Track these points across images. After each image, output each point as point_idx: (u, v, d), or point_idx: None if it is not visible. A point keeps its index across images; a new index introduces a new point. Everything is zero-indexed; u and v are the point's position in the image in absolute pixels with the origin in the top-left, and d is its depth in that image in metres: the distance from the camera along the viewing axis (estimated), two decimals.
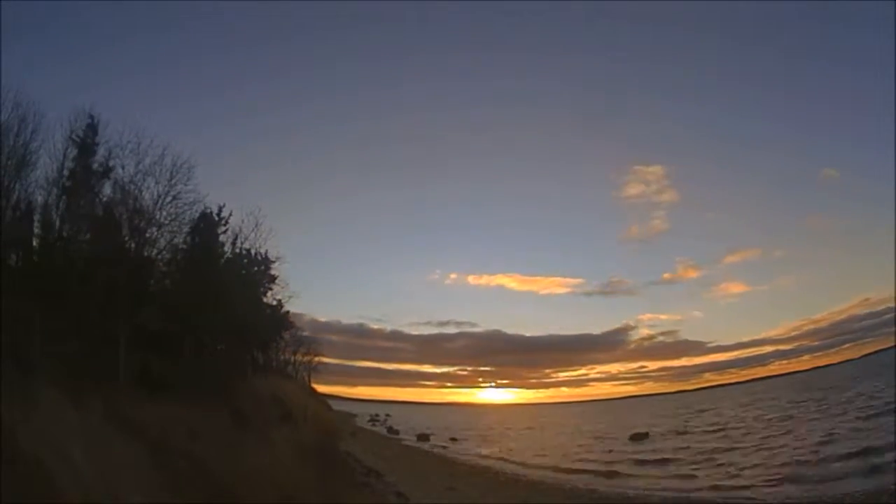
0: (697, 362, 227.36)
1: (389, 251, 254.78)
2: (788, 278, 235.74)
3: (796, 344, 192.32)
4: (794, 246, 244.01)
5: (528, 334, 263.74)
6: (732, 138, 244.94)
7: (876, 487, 14.92)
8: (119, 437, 9.66)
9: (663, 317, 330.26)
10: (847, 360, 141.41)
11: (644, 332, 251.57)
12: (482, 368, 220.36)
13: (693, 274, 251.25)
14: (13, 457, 6.29)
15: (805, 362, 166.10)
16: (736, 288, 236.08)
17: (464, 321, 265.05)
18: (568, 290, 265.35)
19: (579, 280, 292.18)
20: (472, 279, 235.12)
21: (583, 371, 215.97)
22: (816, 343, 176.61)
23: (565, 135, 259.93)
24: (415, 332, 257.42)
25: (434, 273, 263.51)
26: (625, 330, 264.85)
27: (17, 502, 5.81)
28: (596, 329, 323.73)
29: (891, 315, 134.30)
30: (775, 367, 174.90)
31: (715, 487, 18.64)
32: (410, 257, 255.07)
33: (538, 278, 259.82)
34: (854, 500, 14.31)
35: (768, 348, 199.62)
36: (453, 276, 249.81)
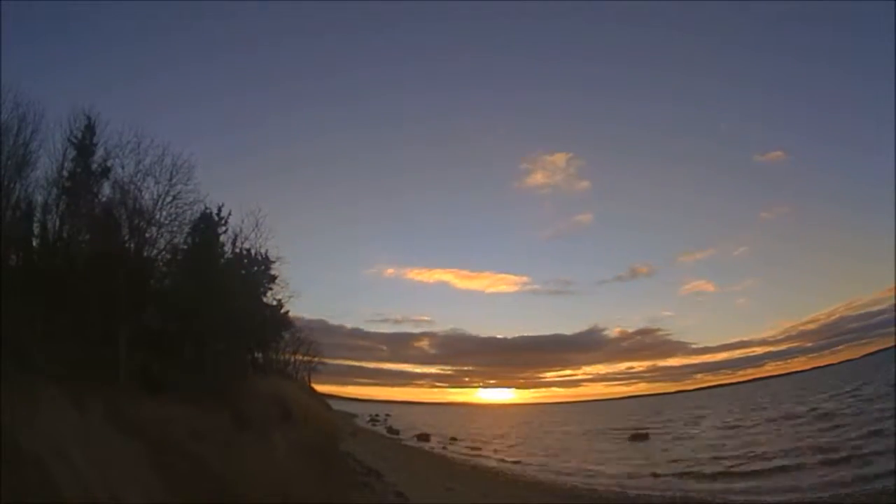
0: (687, 363, 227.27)
1: (326, 244, 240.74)
2: (757, 278, 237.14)
3: (788, 345, 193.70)
4: (755, 243, 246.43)
5: (499, 335, 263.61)
6: (651, 127, 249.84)
7: (876, 488, 14.93)
8: (119, 437, 9.66)
9: (634, 317, 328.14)
10: (848, 360, 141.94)
11: (617, 332, 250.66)
12: (465, 368, 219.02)
13: (644, 271, 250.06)
14: (13, 457, 6.28)
15: (802, 363, 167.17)
16: (702, 287, 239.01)
17: (421, 319, 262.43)
18: (515, 288, 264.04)
19: (524, 278, 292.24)
20: (412, 274, 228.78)
21: (568, 371, 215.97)
22: (810, 345, 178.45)
23: (474, 128, 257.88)
24: (374, 329, 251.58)
25: (372, 267, 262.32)
26: (597, 330, 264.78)
27: (17, 502, 5.81)
28: (565, 329, 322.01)
29: (882, 318, 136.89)
30: (770, 368, 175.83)
31: (716, 486, 18.64)
32: (346, 250, 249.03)
33: (481, 274, 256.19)
34: (854, 500, 14.30)
35: (758, 349, 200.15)
36: (390, 270, 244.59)
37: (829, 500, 14.75)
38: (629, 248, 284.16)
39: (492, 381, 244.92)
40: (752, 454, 23.73)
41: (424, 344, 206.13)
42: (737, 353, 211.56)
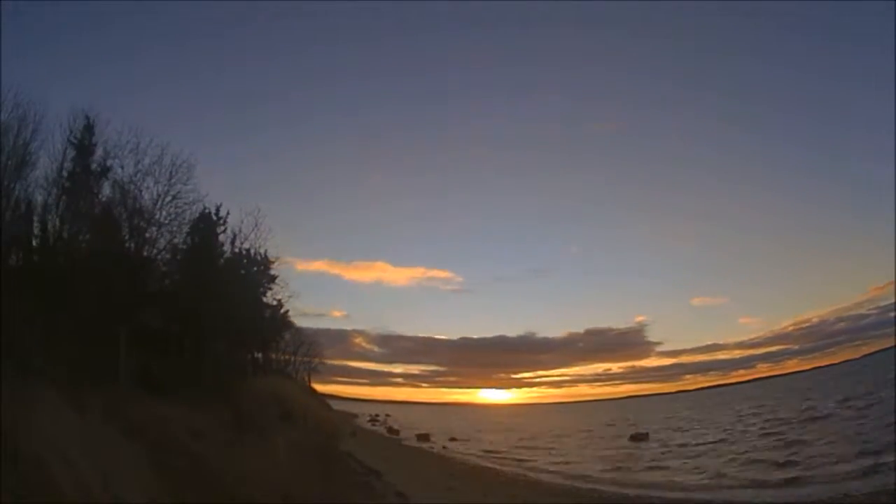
0: (669, 363, 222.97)
1: None
2: (703, 279, 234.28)
3: (770, 349, 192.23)
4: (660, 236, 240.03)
5: (438, 336, 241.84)
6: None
7: (876, 487, 14.93)
8: (119, 438, 9.66)
9: (563, 317, 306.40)
10: (848, 360, 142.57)
11: (565, 333, 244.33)
12: (431, 369, 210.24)
13: (546, 270, 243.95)
14: (13, 457, 6.28)
15: (798, 364, 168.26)
16: (630, 285, 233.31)
17: (336, 315, 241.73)
18: (409, 281, 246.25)
19: (420, 269, 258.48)
20: (298, 265, 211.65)
21: (541, 372, 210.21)
22: (796, 347, 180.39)
23: None
24: (301, 324, 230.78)
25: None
26: (534, 332, 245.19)
27: (16, 502, 5.81)
28: (507, 331, 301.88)
29: (869, 320, 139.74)
30: (764, 369, 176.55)
31: (716, 486, 18.64)
32: None
33: (374, 265, 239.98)
34: (854, 500, 14.30)
35: (737, 352, 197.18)
36: None
37: (828, 500, 14.74)
38: (508, 243, 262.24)
39: (473, 382, 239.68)
40: None
41: (361, 342, 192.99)
42: (719, 355, 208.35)
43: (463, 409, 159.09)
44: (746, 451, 25.53)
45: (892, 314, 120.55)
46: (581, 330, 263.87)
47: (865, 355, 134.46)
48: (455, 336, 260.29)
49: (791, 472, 19.04)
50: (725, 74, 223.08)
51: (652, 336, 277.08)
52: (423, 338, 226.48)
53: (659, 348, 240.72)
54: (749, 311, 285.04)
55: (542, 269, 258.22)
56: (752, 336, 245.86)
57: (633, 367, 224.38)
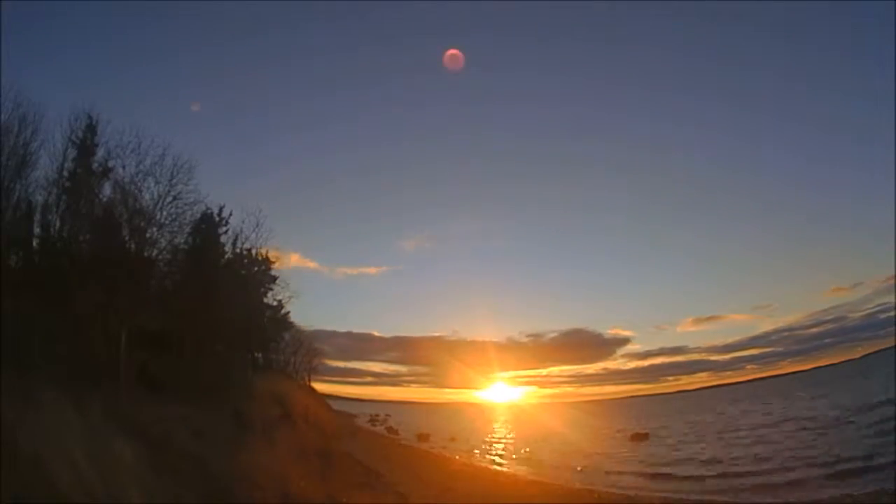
0: (646, 365, 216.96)
1: None
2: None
3: (756, 350, 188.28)
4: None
5: (376, 332, 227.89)
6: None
7: (876, 487, 14.92)
8: (119, 437, 9.66)
9: (482, 320, 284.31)
10: (848, 360, 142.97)
11: (497, 335, 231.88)
12: (395, 367, 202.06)
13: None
14: (13, 457, 6.29)
15: (796, 364, 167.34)
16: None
17: None
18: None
19: (294, 256, 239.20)
20: None
21: (514, 373, 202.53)
22: (781, 349, 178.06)
23: None
24: None
25: None
26: (464, 334, 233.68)
27: (17, 502, 5.82)
28: (421, 332, 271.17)
29: (852, 323, 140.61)
30: (753, 369, 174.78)
31: (717, 487, 18.63)
32: None
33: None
34: (854, 500, 14.30)
35: (715, 356, 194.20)
36: None
37: (828, 500, 14.73)
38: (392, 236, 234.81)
39: (451, 382, 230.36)
40: None
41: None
42: (695, 356, 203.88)
43: (459, 409, 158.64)
44: None
45: (886, 315, 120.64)
46: (515, 332, 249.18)
47: (865, 355, 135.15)
48: (387, 334, 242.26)
49: None
50: (685, 73, 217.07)
51: (607, 338, 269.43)
52: (359, 334, 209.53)
53: (622, 350, 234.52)
54: (692, 312, 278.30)
55: (442, 268, 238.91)
56: (731, 340, 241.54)
57: (606, 368, 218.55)
